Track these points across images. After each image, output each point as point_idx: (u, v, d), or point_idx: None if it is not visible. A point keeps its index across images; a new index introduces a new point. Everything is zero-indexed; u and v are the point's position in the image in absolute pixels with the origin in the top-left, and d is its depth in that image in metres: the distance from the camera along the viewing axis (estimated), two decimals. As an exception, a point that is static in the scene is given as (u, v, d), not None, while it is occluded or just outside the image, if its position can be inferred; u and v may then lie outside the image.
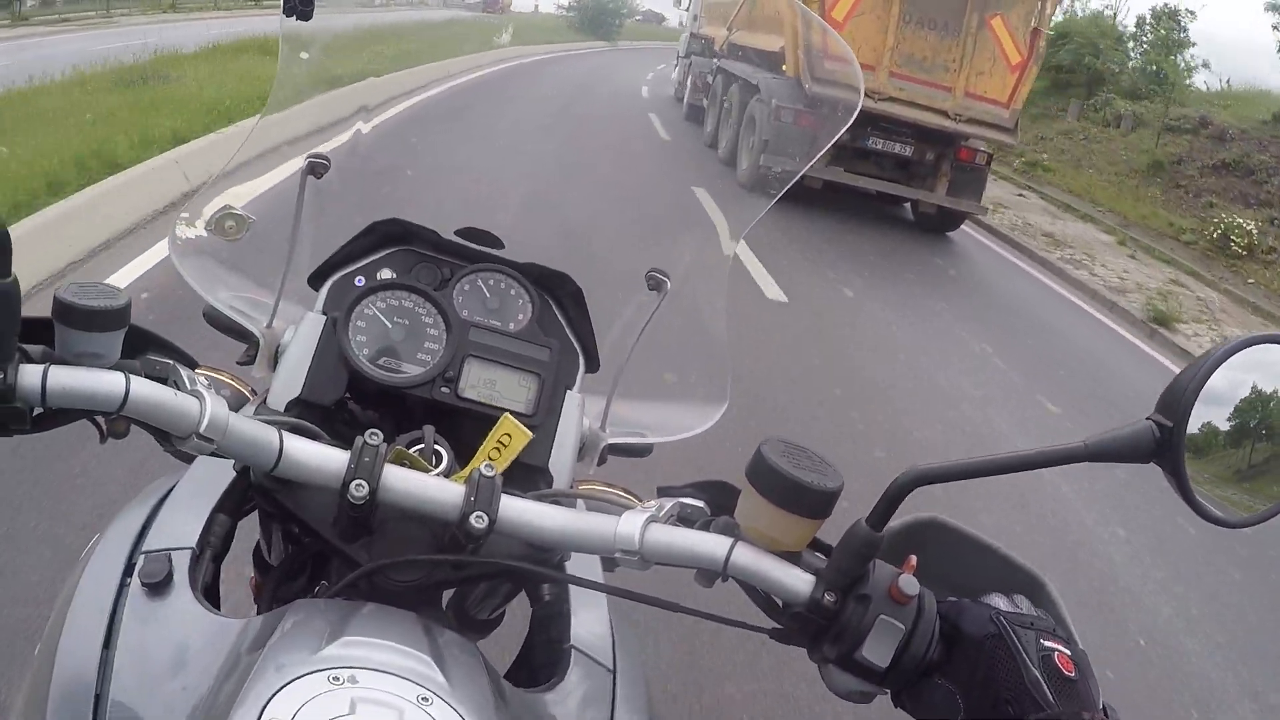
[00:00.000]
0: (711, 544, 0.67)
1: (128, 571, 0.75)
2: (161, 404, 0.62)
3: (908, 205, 9.45)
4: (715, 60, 9.09)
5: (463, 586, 0.89)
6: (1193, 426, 0.62)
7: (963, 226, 9.57)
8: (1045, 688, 0.60)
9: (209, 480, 0.86)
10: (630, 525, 0.67)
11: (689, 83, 9.45)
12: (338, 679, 0.54)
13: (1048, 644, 0.62)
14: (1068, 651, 0.62)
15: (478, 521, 0.66)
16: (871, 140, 8.30)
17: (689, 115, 9.34)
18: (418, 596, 0.75)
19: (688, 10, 11.75)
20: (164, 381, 0.65)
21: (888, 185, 8.60)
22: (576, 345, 0.96)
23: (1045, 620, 0.65)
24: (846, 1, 7.82)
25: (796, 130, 7.24)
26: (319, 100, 1.13)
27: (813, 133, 6.38)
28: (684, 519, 0.73)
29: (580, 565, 0.81)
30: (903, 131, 8.35)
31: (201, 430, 0.62)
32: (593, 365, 0.97)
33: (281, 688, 0.53)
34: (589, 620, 0.85)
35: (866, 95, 7.40)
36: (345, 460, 0.67)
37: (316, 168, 0.95)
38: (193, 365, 0.81)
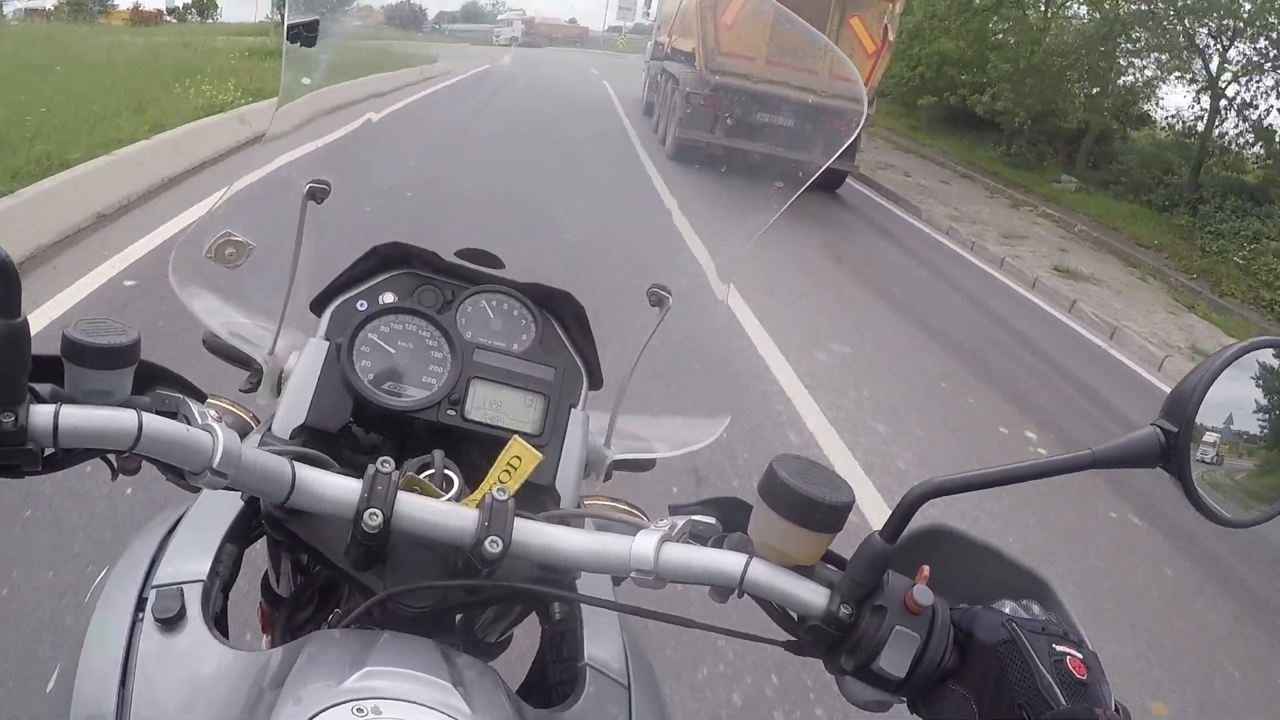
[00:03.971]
0: (727, 561, 0.67)
1: (139, 607, 0.73)
2: (174, 441, 0.60)
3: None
4: (661, 62, 11.29)
5: (471, 611, 0.89)
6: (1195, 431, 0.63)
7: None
8: (1058, 691, 0.61)
9: (216, 510, 0.84)
10: (645, 545, 0.67)
11: (648, 82, 11.72)
12: (361, 710, 0.54)
13: (1059, 649, 0.63)
14: (1079, 655, 0.63)
15: (492, 546, 0.65)
16: (759, 115, 10.59)
17: (645, 110, 11.61)
18: (431, 622, 0.75)
19: (651, 19, 13.88)
20: (174, 416, 0.65)
21: (776, 150, 10.92)
22: (580, 363, 0.96)
23: (1056, 625, 0.66)
24: (734, 7, 10.12)
25: (703, 111, 9.46)
26: (321, 123, 1.13)
27: (713, 114, 9.15)
28: (696, 536, 0.73)
29: (590, 583, 0.81)
30: (783, 108, 10.66)
31: (215, 465, 0.61)
32: (596, 383, 0.97)
33: None
34: (602, 638, 0.85)
35: (747, 79, 10.28)
36: (358, 489, 0.66)
37: (317, 193, 0.95)
38: (202, 398, 0.79)
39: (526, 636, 0.95)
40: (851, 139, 1.24)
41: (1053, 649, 0.63)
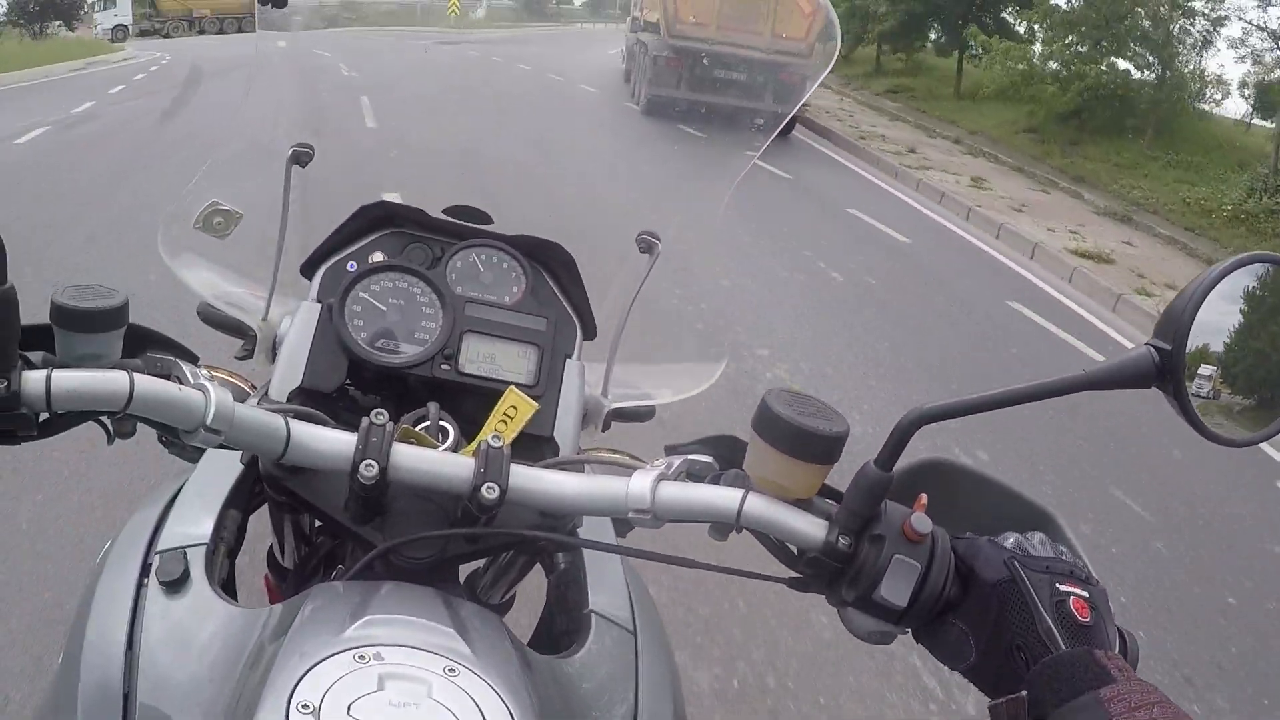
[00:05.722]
0: (723, 496, 0.66)
1: (144, 572, 0.74)
2: (167, 399, 0.61)
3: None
4: (636, 34, 13.10)
5: (473, 560, 0.88)
6: (1190, 349, 0.61)
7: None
8: (1058, 635, 0.59)
9: (217, 476, 0.85)
10: (641, 484, 0.67)
11: (625, 52, 13.60)
12: (363, 658, 0.55)
13: (1063, 588, 0.61)
14: (1084, 594, 0.61)
15: (489, 492, 0.66)
16: (717, 71, 12.41)
17: (625, 78, 13.45)
18: (434, 574, 0.75)
19: (632, -4, 15.58)
20: (167, 377, 0.65)
21: (734, 100, 12.75)
22: (573, 313, 0.96)
23: (1061, 562, 0.64)
24: (691, -19, 11.91)
25: (668, 70, 11.26)
26: (297, 82, 1.12)
27: (677, 72, 11.71)
28: (693, 475, 0.72)
29: (592, 531, 0.81)
30: (737, 64, 12.44)
31: (208, 422, 0.61)
32: (590, 332, 0.97)
33: (308, 671, 0.53)
34: (606, 584, 0.86)
35: (702, 41, 12.94)
36: (353, 442, 0.66)
37: (301, 156, 0.95)
38: (194, 360, 0.79)
39: (534, 592, 0.95)
40: (817, 83, 1.31)
41: (1056, 589, 0.61)
